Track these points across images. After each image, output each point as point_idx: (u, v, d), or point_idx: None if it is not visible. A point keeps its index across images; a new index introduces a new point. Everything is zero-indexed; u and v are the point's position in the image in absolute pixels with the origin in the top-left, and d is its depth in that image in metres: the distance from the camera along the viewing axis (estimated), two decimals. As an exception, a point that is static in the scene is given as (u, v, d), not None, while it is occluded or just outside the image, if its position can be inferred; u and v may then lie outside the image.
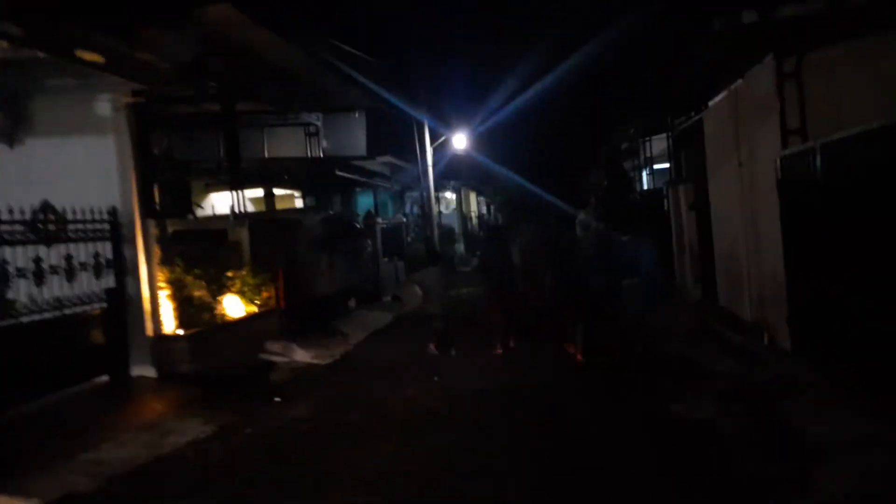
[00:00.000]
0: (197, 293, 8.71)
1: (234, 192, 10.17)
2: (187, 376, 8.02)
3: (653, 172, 20.49)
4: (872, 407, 4.82)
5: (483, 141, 26.20)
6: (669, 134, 13.24)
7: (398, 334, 11.52)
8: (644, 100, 15.23)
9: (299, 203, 19.60)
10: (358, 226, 13.45)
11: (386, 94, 14.26)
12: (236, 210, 10.19)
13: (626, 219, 17.48)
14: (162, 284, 8.19)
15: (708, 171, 10.12)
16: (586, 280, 10.18)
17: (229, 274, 9.37)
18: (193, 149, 14.72)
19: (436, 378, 7.73)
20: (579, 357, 8.20)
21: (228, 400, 7.52)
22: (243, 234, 9.93)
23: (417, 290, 17.24)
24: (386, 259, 18.12)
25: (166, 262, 8.29)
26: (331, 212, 12.91)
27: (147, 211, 8.10)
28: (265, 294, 9.93)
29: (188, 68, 8.25)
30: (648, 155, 17.18)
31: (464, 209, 32.56)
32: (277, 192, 19.05)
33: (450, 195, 32.54)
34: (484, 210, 40.39)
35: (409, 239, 23.10)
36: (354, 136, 14.75)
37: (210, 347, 8.48)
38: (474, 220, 34.59)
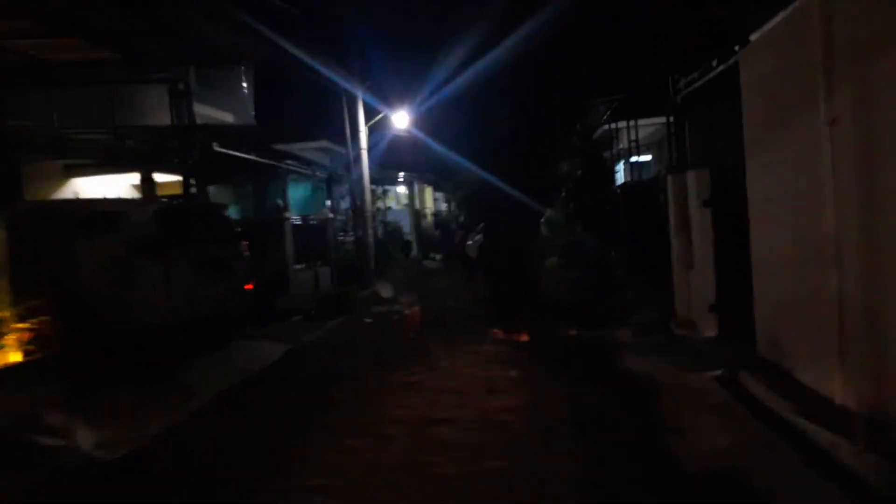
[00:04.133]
0: None
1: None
2: None
3: (639, 165, 16.98)
4: None
5: (435, 124, 22.42)
6: (669, 102, 9.62)
7: (277, 387, 7.67)
8: (631, 61, 11.73)
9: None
10: (234, 222, 9.47)
11: (288, 46, 10.42)
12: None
13: (602, 218, 13.98)
14: None
15: (747, 145, 6.51)
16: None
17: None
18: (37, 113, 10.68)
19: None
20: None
21: None
22: (-4, 236, 6.00)
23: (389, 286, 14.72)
24: (301, 266, 14.26)
25: None
26: (175, 201, 9.09)
27: None
28: (27, 334, 6.01)
29: None
30: (633, 139, 13.60)
31: (417, 205, 28.78)
32: (167, 178, 15.00)
33: (402, 189, 28.76)
34: (444, 206, 36.63)
35: (348, 238, 19.22)
36: (238, 101, 10.84)
37: None
38: (429, 218, 30.83)
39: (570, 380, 6.82)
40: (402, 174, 26.96)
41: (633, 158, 19.21)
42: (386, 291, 16.23)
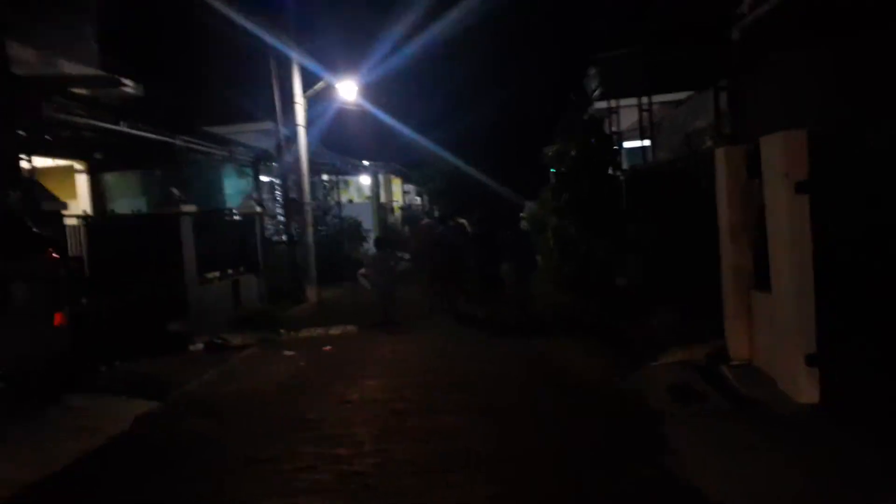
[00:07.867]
0: None
1: None
2: None
3: (639, 151, 13.71)
4: None
5: (396, 100, 19.05)
6: (722, 40, 6.39)
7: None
8: None
9: (82, 181, 12.07)
10: (26, 223, 5.92)
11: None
12: None
13: (605, 212, 10.82)
14: None
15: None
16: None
17: None
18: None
19: None
20: None
21: None
22: None
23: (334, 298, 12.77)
24: (215, 275, 10.89)
25: None
26: None
27: None
28: None
29: None
30: (646, 108, 10.34)
31: (382, 199, 25.38)
32: (49, 163, 11.35)
33: (364, 180, 25.32)
34: (417, 200, 33.21)
35: (288, 236, 15.74)
36: (74, 39, 7.34)
37: None
38: (396, 213, 27.44)
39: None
40: (365, 162, 23.62)
41: (628, 144, 16.10)
42: (328, 305, 12.96)
